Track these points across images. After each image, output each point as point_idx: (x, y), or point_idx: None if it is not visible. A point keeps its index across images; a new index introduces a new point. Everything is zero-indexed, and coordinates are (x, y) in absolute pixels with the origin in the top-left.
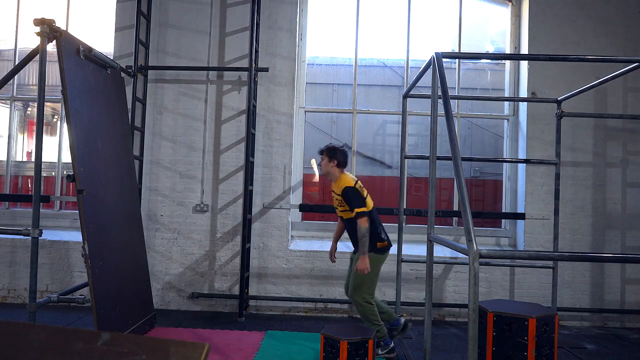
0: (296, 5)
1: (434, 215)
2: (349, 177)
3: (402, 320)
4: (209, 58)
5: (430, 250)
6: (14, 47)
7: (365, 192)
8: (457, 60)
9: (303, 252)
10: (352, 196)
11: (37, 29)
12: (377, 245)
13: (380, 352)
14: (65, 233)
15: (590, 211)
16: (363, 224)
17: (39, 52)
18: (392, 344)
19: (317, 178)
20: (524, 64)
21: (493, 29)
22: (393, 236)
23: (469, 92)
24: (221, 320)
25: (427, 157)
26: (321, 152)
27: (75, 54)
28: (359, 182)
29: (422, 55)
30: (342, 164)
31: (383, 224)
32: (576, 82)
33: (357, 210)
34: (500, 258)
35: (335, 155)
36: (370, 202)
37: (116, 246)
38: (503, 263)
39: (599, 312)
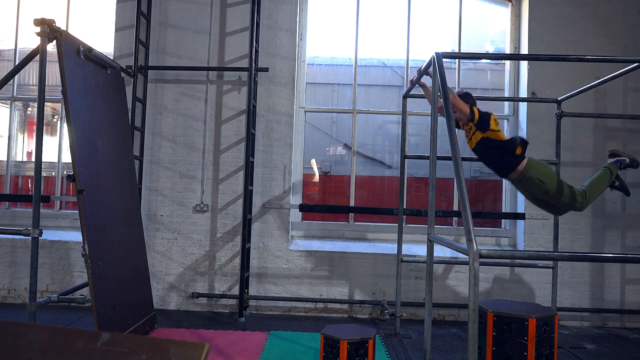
0: (296, 5)
1: (434, 215)
2: None
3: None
4: (209, 58)
5: (430, 250)
6: (14, 47)
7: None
8: (457, 60)
9: (303, 252)
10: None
11: (37, 29)
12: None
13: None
14: (65, 233)
15: (590, 211)
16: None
17: (39, 52)
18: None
19: (317, 178)
20: (524, 64)
21: (493, 29)
22: (393, 236)
23: None
24: (221, 320)
25: (427, 157)
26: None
27: (75, 54)
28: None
29: (422, 55)
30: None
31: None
32: (576, 82)
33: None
34: (500, 258)
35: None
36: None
37: (116, 246)
38: (503, 263)
39: (598, 312)
